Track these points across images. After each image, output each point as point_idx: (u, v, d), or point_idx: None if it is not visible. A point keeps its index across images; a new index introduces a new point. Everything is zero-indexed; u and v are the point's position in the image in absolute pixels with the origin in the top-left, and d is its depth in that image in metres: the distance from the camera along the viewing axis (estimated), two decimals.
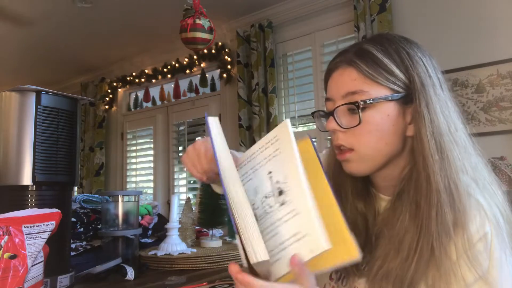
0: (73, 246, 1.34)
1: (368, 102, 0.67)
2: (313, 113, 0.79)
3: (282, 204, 0.59)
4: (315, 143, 0.65)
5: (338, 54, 0.75)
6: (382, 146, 0.68)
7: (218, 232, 1.57)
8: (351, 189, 0.76)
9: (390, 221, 0.68)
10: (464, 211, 0.62)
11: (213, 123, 0.71)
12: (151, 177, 4.21)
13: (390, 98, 0.68)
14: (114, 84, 4.50)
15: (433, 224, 0.62)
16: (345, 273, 0.74)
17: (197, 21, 2.04)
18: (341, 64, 0.72)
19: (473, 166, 0.68)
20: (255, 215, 0.60)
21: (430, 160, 0.64)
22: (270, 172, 0.63)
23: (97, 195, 1.58)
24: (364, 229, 0.73)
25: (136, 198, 1.37)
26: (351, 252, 0.54)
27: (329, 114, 0.71)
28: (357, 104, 0.67)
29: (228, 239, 1.65)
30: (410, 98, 0.68)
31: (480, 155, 0.71)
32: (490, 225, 0.62)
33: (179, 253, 1.33)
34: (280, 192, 0.60)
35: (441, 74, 0.72)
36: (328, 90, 0.75)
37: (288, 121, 0.65)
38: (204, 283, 1.03)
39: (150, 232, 1.63)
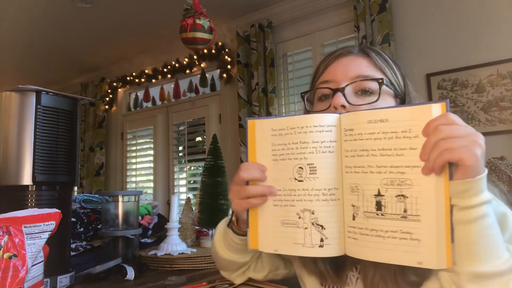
0: (73, 246, 1.34)
1: (386, 83, 0.72)
2: (302, 94, 0.80)
3: (401, 199, 0.58)
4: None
5: (344, 47, 0.80)
6: None
7: None
8: None
9: None
10: None
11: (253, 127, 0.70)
12: (151, 177, 4.21)
13: (395, 93, 0.74)
14: (114, 84, 4.50)
15: None
16: (337, 283, 0.74)
17: (197, 21, 2.04)
18: (352, 52, 0.76)
19: None
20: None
21: None
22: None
23: (97, 195, 1.58)
24: None
25: (136, 198, 1.37)
26: (441, 260, 0.55)
27: (337, 90, 0.72)
28: (380, 80, 0.71)
29: None
30: (403, 102, 0.75)
31: None
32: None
33: (179, 253, 1.33)
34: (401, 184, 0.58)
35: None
36: (328, 73, 0.76)
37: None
38: (204, 283, 1.03)
39: (150, 232, 1.62)
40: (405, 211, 0.57)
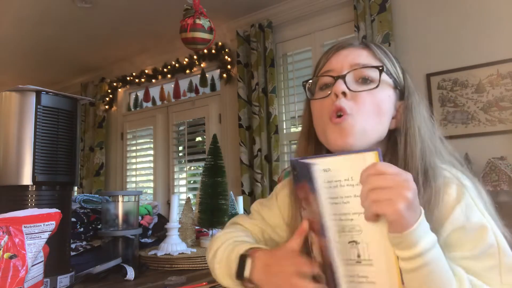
0: (73, 246, 1.34)
1: (385, 71, 0.73)
2: (304, 83, 0.79)
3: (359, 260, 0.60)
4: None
5: (344, 40, 0.80)
6: (376, 123, 0.72)
7: (218, 232, 1.57)
8: None
9: None
10: (443, 195, 0.66)
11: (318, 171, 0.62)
12: (151, 177, 4.21)
13: (394, 84, 0.75)
14: (114, 84, 4.50)
15: None
16: None
17: (197, 21, 2.04)
18: (352, 44, 0.78)
19: (449, 154, 0.75)
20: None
21: (412, 148, 0.70)
22: (357, 214, 0.59)
23: (97, 195, 1.58)
24: None
25: (136, 198, 1.37)
26: None
27: (338, 77, 0.72)
28: (381, 68, 0.72)
29: None
30: (402, 95, 0.76)
31: (450, 149, 0.77)
32: (468, 193, 0.67)
33: (179, 253, 1.33)
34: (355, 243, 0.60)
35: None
36: (330, 64, 0.76)
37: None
38: (204, 283, 1.03)
39: (150, 232, 1.62)
40: (358, 256, 0.59)
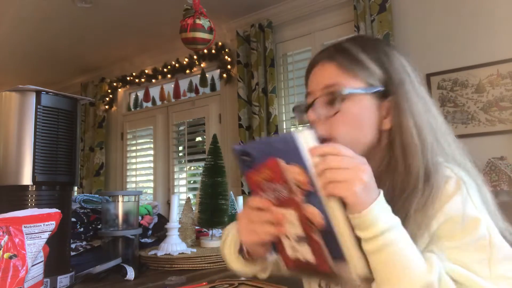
0: (73, 246, 1.34)
1: (344, 93, 0.70)
2: (294, 108, 0.82)
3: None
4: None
5: (319, 51, 0.79)
6: (360, 137, 0.70)
7: (218, 232, 1.57)
8: None
9: None
10: (441, 193, 0.64)
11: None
12: (151, 177, 4.21)
13: (365, 92, 0.70)
14: (114, 84, 4.50)
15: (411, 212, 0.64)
16: (334, 281, 0.73)
17: (197, 21, 2.04)
18: (322, 59, 0.76)
19: (452, 151, 0.72)
20: None
21: (412, 148, 0.67)
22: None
23: (97, 195, 1.58)
24: None
25: (136, 198, 1.37)
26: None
27: (309, 106, 0.73)
28: (335, 94, 0.70)
29: None
30: (387, 92, 0.71)
31: (456, 142, 0.75)
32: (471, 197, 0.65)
33: (179, 253, 1.33)
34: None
35: (418, 75, 0.76)
36: (308, 85, 0.77)
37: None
38: (204, 283, 1.03)
39: (150, 232, 1.62)
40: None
